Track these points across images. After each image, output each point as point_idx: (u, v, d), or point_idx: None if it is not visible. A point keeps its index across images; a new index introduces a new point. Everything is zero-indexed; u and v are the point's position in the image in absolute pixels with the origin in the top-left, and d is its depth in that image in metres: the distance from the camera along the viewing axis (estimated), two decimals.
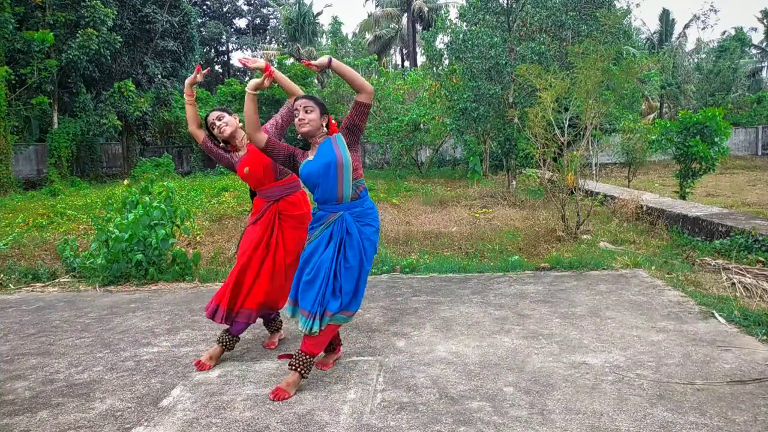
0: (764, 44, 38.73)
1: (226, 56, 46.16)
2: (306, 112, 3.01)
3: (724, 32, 41.03)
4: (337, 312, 2.99)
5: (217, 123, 3.51)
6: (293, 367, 3.02)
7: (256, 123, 3.08)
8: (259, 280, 3.42)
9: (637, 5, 30.43)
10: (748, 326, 3.77)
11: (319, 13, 38.27)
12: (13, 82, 18.28)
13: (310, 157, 3.05)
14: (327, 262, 2.99)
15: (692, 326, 3.85)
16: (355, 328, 4.03)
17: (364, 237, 3.04)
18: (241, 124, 3.55)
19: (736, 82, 28.45)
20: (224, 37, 43.71)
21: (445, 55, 14.58)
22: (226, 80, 29.85)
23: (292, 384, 2.99)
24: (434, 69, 16.04)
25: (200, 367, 3.37)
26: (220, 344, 3.46)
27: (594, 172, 13.79)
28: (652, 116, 27.96)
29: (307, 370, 3.03)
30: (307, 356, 3.03)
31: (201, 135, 3.57)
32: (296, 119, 3.04)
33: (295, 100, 3.08)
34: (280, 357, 3.41)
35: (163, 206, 5.88)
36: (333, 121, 3.10)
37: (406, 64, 40.51)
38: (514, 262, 5.79)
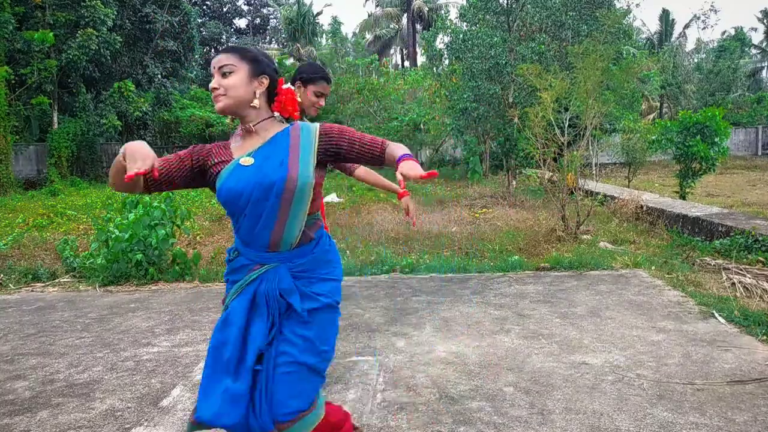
0: (764, 44, 38.72)
1: None
2: (222, 75, 1.78)
3: (724, 32, 41.02)
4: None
5: (318, 103, 2.96)
6: None
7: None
8: None
9: (637, 5, 30.43)
10: (748, 326, 3.77)
11: (319, 13, 38.32)
12: (13, 82, 18.29)
13: (245, 160, 1.78)
14: (239, 350, 1.79)
15: (692, 326, 3.85)
16: (355, 328, 4.03)
17: (316, 307, 1.83)
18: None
19: (736, 82, 28.45)
20: (224, 37, 43.68)
21: (445, 55, 14.58)
22: None
23: None
24: (434, 69, 16.04)
25: None
26: None
27: (594, 172, 13.79)
28: (652, 116, 27.95)
29: None
30: None
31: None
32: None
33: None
34: None
35: (163, 206, 5.89)
36: (288, 88, 1.90)
37: (406, 64, 40.50)
38: (514, 262, 5.79)
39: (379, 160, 1.83)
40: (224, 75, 1.77)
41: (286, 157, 1.77)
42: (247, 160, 1.77)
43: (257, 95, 1.80)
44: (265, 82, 1.82)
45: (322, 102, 2.97)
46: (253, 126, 1.82)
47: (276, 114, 1.87)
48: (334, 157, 1.85)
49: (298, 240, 1.82)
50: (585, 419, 2.63)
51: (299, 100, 2.96)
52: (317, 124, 1.85)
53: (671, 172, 12.90)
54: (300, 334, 1.80)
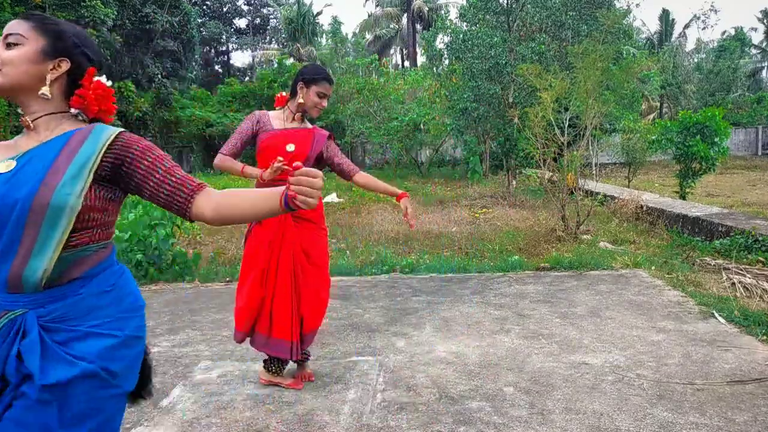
0: (764, 44, 38.72)
1: (226, 56, 46.16)
2: (7, 46, 1.33)
3: (724, 32, 41.01)
4: None
5: (324, 102, 2.97)
6: None
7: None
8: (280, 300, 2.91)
9: (637, 5, 30.41)
10: (748, 326, 3.77)
11: (319, 13, 38.35)
12: None
13: (5, 165, 1.31)
14: None
15: (692, 326, 3.85)
16: (355, 328, 4.03)
17: (69, 377, 1.24)
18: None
19: (736, 82, 28.43)
20: (224, 37, 43.69)
21: (445, 55, 14.58)
22: (226, 80, 29.86)
23: None
24: (434, 69, 16.05)
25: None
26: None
27: (594, 172, 13.78)
28: (652, 116, 27.94)
29: None
30: None
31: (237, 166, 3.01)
32: None
33: None
34: None
35: None
36: (98, 81, 1.42)
37: (406, 64, 40.50)
38: (514, 262, 5.79)
39: (182, 211, 1.36)
40: (8, 46, 1.32)
41: (48, 167, 1.26)
42: (8, 165, 1.30)
43: (47, 81, 1.33)
44: (64, 66, 1.36)
45: (325, 103, 2.96)
46: (32, 120, 1.36)
47: (73, 110, 1.39)
48: (123, 181, 1.35)
49: (45, 279, 1.26)
50: (585, 419, 2.63)
51: (302, 101, 2.92)
52: (117, 130, 1.35)
53: (671, 172, 12.90)
54: (23, 422, 1.22)
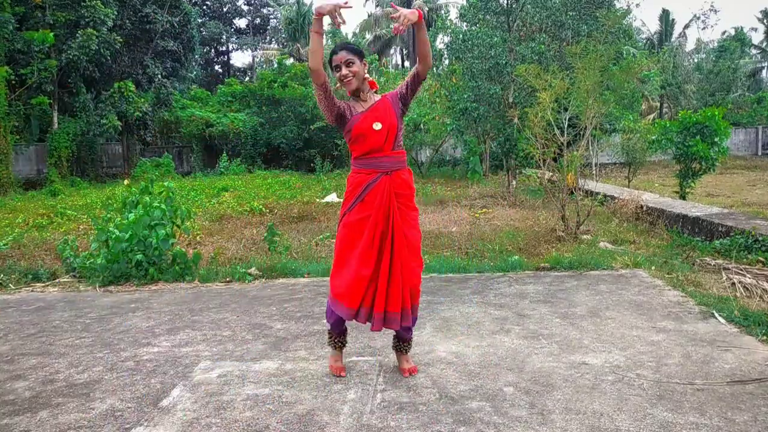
0: (764, 44, 38.73)
1: (226, 56, 46.17)
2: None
3: (724, 32, 40.99)
4: None
5: (344, 70, 2.99)
6: None
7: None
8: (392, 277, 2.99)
9: (637, 5, 30.39)
10: (748, 326, 3.77)
11: None
12: (13, 82, 18.28)
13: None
14: None
15: (692, 326, 3.85)
16: (355, 328, 4.02)
17: None
18: (367, 76, 3.08)
19: (736, 82, 28.44)
20: (224, 37, 43.69)
21: (445, 55, 14.58)
22: (226, 80, 29.87)
23: None
24: (434, 69, 16.04)
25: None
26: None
27: (594, 172, 13.78)
28: (652, 116, 27.93)
29: None
30: None
31: (322, 75, 2.93)
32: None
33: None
34: None
35: (163, 206, 5.88)
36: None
37: (406, 64, 40.49)
38: (514, 262, 5.79)
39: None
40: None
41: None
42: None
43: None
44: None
45: (345, 71, 2.98)
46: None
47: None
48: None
49: None
50: (585, 419, 2.63)
51: (367, 76, 3.06)
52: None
53: (671, 172, 12.90)
54: None
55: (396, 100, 3.08)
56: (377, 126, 2.96)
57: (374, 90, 3.13)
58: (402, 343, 3.22)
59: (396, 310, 2.97)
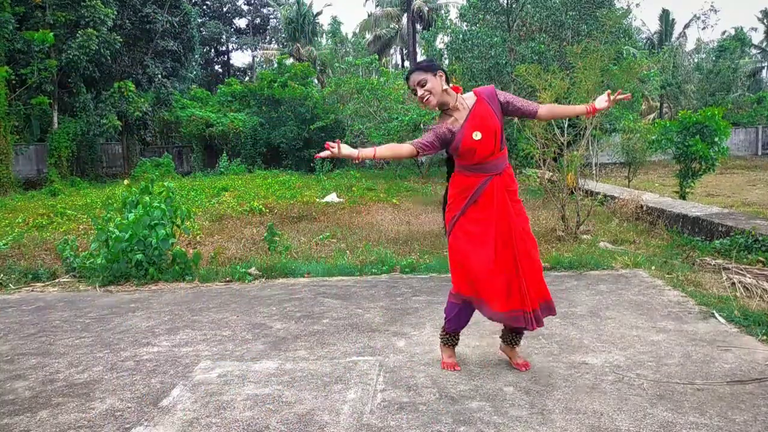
0: (764, 44, 38.73)
1: (226, 56, 46.17)
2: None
3: (724, 32, 41.03)
4: None
5: (420, 92, 2.95)
6: None
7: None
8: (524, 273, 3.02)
9: (637, 5, 30.42)
10: (748, 326, 3.77)
11: (318, 13, 38.36)
12: (13, 82, 18.29)
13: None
14: None
15: (692, 326, 3.85)
16: (355, 328, 4.03)
17: None
18: (446, 86, 2.99)
19: (736, 82, 28.45)
20: (224, 37, 43.70)
21: (445, 55, 14.59)
22: (226, 80, 29.86)
23: None
24: None
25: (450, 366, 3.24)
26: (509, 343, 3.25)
27: (594, 172, 13.77)
28: (652, 116, 27.95)
29: None
30: None
31: (427, 148, 2.94)
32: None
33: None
34: None
35: (163, 206, 5.88)
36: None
37: (406, 64, 40.51)
38: None
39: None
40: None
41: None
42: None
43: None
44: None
45: (420, 91, 2.95)
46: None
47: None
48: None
49: None
50: (585, 419, 2.63)
51: (445, 86, 3.00)
52: None
53: (671, 172, 12.90)
54: None
55: (493, 98, 3.02)
56: (478, 135, 2.92)
57: (459, 93, 3.04)
58: (516, 336, 3.24)
59: (537, 306, 3.03)
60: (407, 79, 3.02)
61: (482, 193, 3.01)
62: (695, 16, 40.19)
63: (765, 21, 38.85)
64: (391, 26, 38.49)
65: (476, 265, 2.99)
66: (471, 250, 3.01)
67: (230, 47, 46.01)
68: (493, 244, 3.00)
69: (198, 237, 7.91)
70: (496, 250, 3.00)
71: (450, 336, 3.29)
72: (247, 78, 41.11)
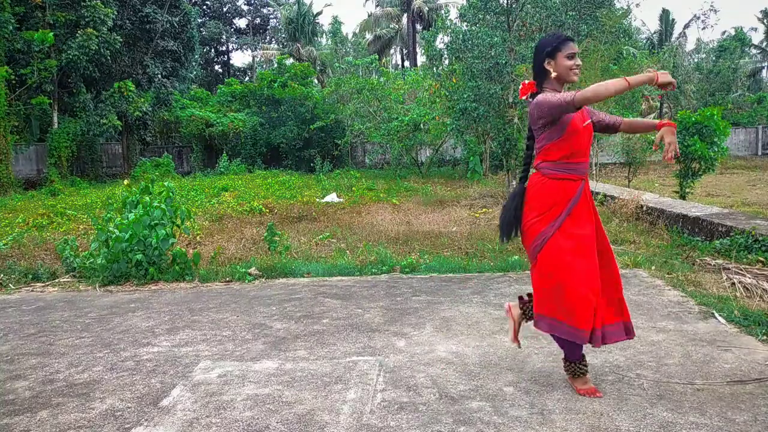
0: (764, 44, 38.72)
1: (226, 56, 46.18)
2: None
3: (724, 32, 41.05)
4: None
5: (578, 60, 2.81)
6: None
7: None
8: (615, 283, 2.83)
9: (637, 5, 30.43)
10: (748, 326, 3.77)
11: (318, 13, 38.34)
12: (13, 82, 18.29)
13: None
14: None
15: (692, 326, 3.85)
16: (355, 328, 4.03)
17: None
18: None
19: (736, 82, 28.46)
20: (224, 37, 43.71)
21: (445, 55, 14.58)
22: (226, 80, 29.86)
23: None
24: (434, 69, 16.04)
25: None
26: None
27: (594, 172, 13.79)
28: (652, 116, 27.90)
29: None
30: None
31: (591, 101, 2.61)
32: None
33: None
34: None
35: (163, 206, 5.88)
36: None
37: (406, 64, 40.52)
38: (514, 262, 5.79)
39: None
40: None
41: None
42: None
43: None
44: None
45: (579, 61, 2.80)
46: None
47: None
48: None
49: None
50: (585, 419, 2.63)
51: (555, 74, 2.77)
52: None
53: (671, 172, 12.90)
54: None
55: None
56: (585, 123, 2.78)
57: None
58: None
59: (625, 319, 2.85)
60: (565, 41, 2.77)
61: (577, 204, 2.74)
62: (695, 16, 40.21)
63: (765, 21, 38.84)
64: (391, 26, 38.50)
65: (579, 293, 2.68)
66: (576, 274, 2.69)
67: (230, 47, 46.03)
68: (597, 264, 2.74)
69: (198, 237, 7.91)
70: (603, 271, 2.77)
71: (580, 365, 2.89)
72: (247, 78, 41.13)
